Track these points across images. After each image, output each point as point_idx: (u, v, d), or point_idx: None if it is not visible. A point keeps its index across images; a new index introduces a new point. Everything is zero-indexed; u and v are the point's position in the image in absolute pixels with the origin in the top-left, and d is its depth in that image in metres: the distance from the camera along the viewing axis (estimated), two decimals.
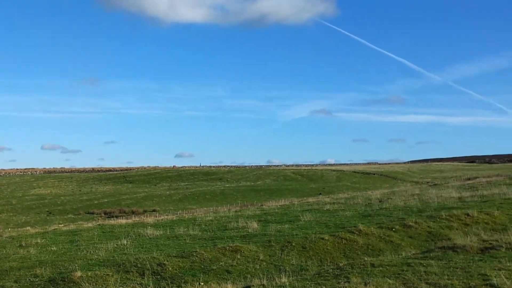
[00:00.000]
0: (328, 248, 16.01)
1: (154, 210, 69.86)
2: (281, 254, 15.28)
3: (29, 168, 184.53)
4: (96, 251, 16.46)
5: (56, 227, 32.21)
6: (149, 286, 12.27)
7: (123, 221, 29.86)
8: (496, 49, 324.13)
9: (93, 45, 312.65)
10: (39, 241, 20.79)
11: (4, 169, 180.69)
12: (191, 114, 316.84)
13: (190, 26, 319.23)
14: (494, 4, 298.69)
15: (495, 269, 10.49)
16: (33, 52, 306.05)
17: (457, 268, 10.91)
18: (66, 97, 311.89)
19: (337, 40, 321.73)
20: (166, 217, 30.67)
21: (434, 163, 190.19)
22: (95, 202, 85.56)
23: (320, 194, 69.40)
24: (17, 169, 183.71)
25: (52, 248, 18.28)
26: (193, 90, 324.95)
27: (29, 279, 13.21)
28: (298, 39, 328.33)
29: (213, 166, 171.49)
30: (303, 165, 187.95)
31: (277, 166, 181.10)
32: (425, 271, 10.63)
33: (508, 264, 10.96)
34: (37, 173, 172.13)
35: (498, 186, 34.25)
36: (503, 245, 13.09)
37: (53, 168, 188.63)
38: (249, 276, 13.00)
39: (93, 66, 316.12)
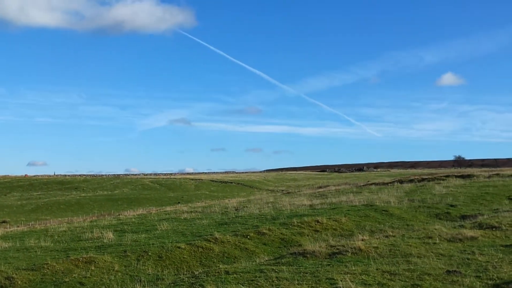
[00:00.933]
0: (185, 256, 16.12)
1: (4, 222, 66.10)
2: (137, 264, 15.18)
3: None
4: None
5: None
6: None
7: None
8: (343, 64, 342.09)
9: None
10: None
11: None
12: (44, 121, 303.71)
13: (44, 30, 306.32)
14: (343, 21, 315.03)
15: (342, 273, 11.13)
16: None
17: (306, 273, 11.44)
18: None
19: (195, 50, 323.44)
20: (16, 228, 29.31)
21: (289, 172, 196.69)
22: None
23: (179, 203, 69.33)
24: None
25: None
26: (47, 96, 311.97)
27: None
28: (156, 48, 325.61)
29: (68, 175, 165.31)
30: (162, 174, 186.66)
31: (136, 175, 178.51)
32: (276, 277, 11.05)
33: (353, 268, 11.67)
34: None
35: (346, 194, 36.17)
36: (349, 250, 13.89)
37: None
38: (103, 287, 12.80)
39: None
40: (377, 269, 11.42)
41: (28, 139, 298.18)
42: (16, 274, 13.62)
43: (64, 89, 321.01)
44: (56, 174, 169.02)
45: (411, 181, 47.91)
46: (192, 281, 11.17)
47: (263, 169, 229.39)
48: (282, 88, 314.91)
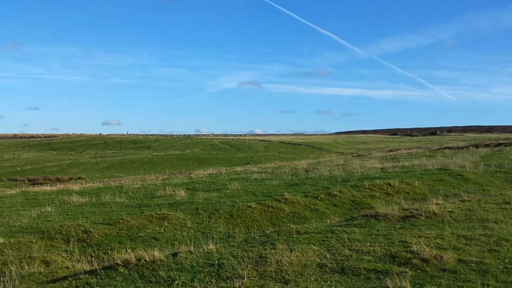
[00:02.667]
0: (255, 216, 16.22)
1: (80, 178, 68.63)
2: (208, 222, 15.38)
3: None
4: (19, 218, 16.07)
5: None
6: (75, 253, 12.13)
7: (47, 188, 29.21)
8: (418, 26, 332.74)
9: (13, 8, 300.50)
10: None
11: None
12: (117, 82, 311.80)
13: None
14: None
15: (415, 237, 10.90)
16: None
17: (379, 235, 11.28)
18: None
19: (265, 12, 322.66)
20: (92, 184, 30.21)
21: (358, 135, 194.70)
22: (18, 169, 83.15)
23: (248, 163, 69.87)
24: None
25: None
26: (119, 57, 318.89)
27: None
28: (226, 10, 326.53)
29: (141, 135, 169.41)
30: (231, 135, 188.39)
31: (206, 135, 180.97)
32: (348, 238, 10.95)
33: (427, 232, 11.42)
34: None
35: (418, 158, 35.44)
36: (423, 214, 13.59)
37: None
38: (176, 243, 13.03)
39: (14, 29, 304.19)
40: (452, 234, 11.12)
41: (102, 99, 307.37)
42: (93, 228, 14.05)
43: (136, 50, 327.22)
44: (129, 133, 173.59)
45: (487, 145, 46.45)
46: (263, 240, 11.21)
47: (332, 132, 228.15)
48: (353, 50, 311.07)
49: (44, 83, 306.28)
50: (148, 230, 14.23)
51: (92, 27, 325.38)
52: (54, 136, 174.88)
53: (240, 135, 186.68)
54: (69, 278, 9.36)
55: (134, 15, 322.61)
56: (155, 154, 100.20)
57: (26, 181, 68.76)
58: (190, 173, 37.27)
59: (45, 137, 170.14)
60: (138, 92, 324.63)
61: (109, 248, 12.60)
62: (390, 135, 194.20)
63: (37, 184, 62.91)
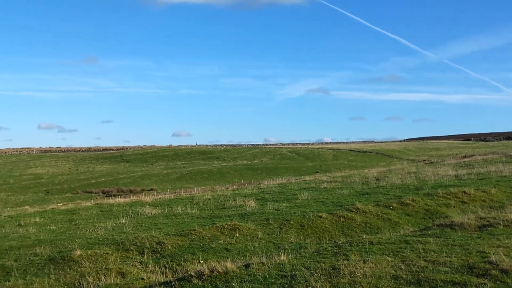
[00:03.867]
0: (326, 226, 16.08)
1: (151, 189, 70.03)
2: (279, 232, 15.34)
3: (26, 148, 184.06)
4: (95, 229, 16.51)
5: (54, 206, 32.27)
6: (149, 264, 12.32)
7: (121, 200, 29.93)
8: (491, 27, 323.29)
9: (90, 25, 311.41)
10: (37, 220, 20.87)
11: (0, 149, 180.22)
12: (187, 93, 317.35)
13: (185, 5, 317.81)
14: None
15: (493, 246, 10.53)
16: (30, 31, 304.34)
17: (455, 245, 10.95)
18: (62, 75, 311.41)
19: (332, 18, 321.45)
20: (164, 196, 30.75)
21: (430, 141, 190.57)
22: (93, 181, 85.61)
23: (317, 172, 69.51)
24: (13, 148, 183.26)
25: (51, 227, 18.34)
26: (189, 69, 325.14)
27: (29, 258, 13.25)
28: (293, 18, 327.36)
29: (210, 145, 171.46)
30: (300, 143, 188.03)
31: (274, 144, 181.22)
32: (423, 249, 10.68)
33: (506, 241, 11.01)
34: (34, 152, 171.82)
35: (494, 164, 34.35)
36: (501, 223, 13.13)
37: (50, 147, 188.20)
38: (248, 254, 13.05)
39: (90, 45, 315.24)
40: None
41: (173, 111, 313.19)
42: (166, 239, 14.26)
43: (205, 61, 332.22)
44: (198, 144, 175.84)
45: None
46: (335, 251, 11.07)
47: (403, 138, 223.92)
48: (423, 53, 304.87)
49: (117, 96, 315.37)
50: (220, 241, 14.32)
51: (163, 39, 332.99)
52: (126, 148, 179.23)
53: (309, 143, 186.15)
54: None
55: (202, 27, 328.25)
56: (224, 164, 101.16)
57: (101, 193, 70.70)
58: (259, 183, 37.43)
59: (117, 149, 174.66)
60: (207, 102, 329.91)
61: (182, 259, 12.74)
62: (463, 140, 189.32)
63: (111, 196, 64.59)
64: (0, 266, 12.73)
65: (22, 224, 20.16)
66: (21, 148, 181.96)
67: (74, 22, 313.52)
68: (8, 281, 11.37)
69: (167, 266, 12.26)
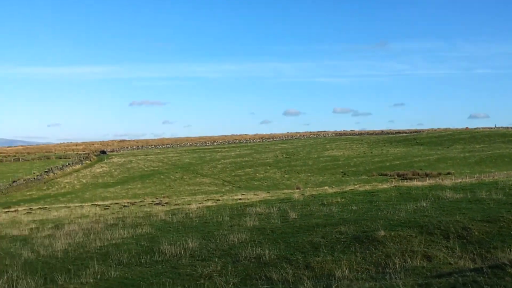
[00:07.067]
0: None
1: (448, 173, 68.24)
2: None
3: (322, 131, 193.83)
4: (396, 211, 16.49)
5: (352, 187, 33.35)
6: (456, 249, 11.87)
7: (418, 183, 29.67)
8: None
9: (379, 10, 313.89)
10: (339, 200, 21.72)
11: (299, 132, 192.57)
12: (482, 73, 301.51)
13: None
14: None
15: None
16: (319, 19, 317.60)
17: None
18: (354, 61, 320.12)
19: None
20: (463, 180, 29.61)
21: None
22: (387, 164, 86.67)
23: None
24: (310, 132, 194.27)
25: (352, 207, 18.86)
26: (483, 47, 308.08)
27: (335, 236, 13.77)
28: None
29: (511, 128, 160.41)
30: None
31: None
32: None
33: None
34: (329, 135, 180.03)
35: None
36: None
37: (344, 130, 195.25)
38: None
39: (382, 29, 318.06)
40: None
41: (468, 92, 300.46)
42: (472, 225, 13.60)
43: (501, 38, 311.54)
44: (497, 126, 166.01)
45: None
46: None
47: None
48: None
49: (409, 79, 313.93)
50: None
51: (457, 20, 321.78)
52: (420, 131, 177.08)
53: None
54: (454, 275, 9.18)
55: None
56: None
57: (396, 176, 71.13)
58: None
59: (410, 132, 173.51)
60: (506, 82, 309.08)
61: (491, 246, 12.02)
62: None
63: (406, 179, 64.65)
64: (309, 242, 13.45)
65: (325, 203, 21.13)
66: (318, 132, 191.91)
67: (365, 8, 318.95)
68: (318, 257, 11.94)
69: (474, 252, 11.67)
